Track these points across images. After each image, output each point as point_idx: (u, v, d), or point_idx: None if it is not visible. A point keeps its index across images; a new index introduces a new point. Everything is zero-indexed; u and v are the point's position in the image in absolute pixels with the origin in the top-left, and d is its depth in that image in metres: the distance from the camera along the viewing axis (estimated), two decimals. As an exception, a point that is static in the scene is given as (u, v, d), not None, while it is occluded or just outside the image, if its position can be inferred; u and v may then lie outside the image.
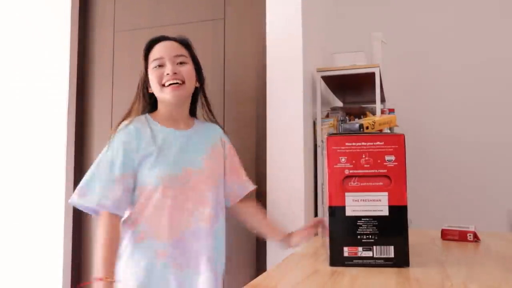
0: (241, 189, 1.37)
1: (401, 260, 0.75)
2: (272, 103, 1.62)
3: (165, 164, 1.19)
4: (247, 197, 1.39)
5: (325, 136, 0.81)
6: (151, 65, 1.27)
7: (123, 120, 1.26)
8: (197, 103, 1.40)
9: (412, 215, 2.62)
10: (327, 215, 0.78)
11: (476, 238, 1.07)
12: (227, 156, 1.37)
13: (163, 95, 1.25)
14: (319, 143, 1.77)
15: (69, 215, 1.89)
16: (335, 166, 0.78)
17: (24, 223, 1.93)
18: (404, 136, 0.78)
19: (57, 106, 1.92)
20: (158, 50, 1.27)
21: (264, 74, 1.65)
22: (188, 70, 1.27)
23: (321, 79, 1.82)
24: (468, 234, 1.07)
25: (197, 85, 1.34)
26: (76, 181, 1.92)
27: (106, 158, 1.20)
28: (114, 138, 1.21)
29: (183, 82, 1.25)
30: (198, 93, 1.38)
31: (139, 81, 1.31)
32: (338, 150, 0.78)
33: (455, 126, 2.79)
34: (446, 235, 1.11)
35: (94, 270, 1.10)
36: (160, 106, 1.31)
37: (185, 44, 1.33)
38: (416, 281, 0.66)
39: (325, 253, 0.90)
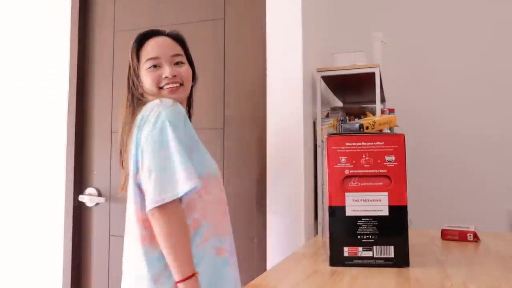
0: None
1: (401, 260, 0.75)
2: (272, 103, 1.62)
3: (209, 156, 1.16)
4: None
5: (325, 136, 0.81)
6: (145, 65, 1.16)
7: (125, 125, 1.13)
8: (190, 101, 1.31)
9: (412, 215, 2.62)
10: (327, 215, 0.78)
11: (476, 238, 1.07)
12: None
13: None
14: (319, 143, 1.77)
15: (69, 215, 1.89)
16: (335, 166, 0.78)
17: (24, 223, 1.93)
18: (404, 136, 0.78)
19: (57, 106, 1.92)
20: (153, 49, 1.16)
21: (264, 74, 1.65)
22: (186, 71, 1.19)
23: (321, 79, 1.82)
24: (468, 234, 1.07)
25: (192, 83, 1.27)
26: (76, 181, 1.92)
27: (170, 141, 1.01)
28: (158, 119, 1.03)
29: (182, 84, 1.17)
30: (192, 92, 1.30)
31: (128, 80, 1.18)
32: (338, 150, 0.78)
33: (455, 126, 2.79)
34: (446, 235, 1.11)
35: (179, 267, 0.97)
36: None
37: (180, 40, 1.24)
38: (416, 281, 0.66)
39: (325, 253, 0.90)
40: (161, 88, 1.15)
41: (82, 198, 1.88)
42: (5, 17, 2.06)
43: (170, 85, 1.14)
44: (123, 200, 1.85)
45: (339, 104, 2.50)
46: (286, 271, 0.77)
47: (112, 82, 1.92)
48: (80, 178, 1.94)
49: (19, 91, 2.00)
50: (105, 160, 1.91)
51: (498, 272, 0.73)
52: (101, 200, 1.87)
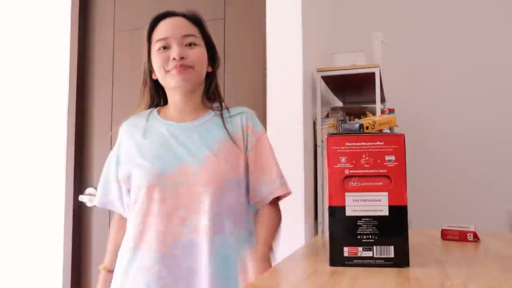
0: (268, 191, 1.06)
1: (401, 260, 0.75)
2: (272, 103, 1.62)
3: (155, 161, 1.01)
4: (273, 202, 1.08)
5: (325, 136, 0.81)
6: (155, 46, 1.06)
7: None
8: (211, 90, 1.14)
9: (412, 215, 2.62)
10: (327, 215, 0.78)
11: (476, 238, 1.07)
12: (252, 147, 1.07)
13: (168, 81, 1.05)
14: (319, 143, 1.77)
15: (69, 215, 1.89)
16: (335, 166, 0.78)
17: (24, 223, 1.93)
18: (404, 136, 0.78)
19: (57, 106, 1.92)
20: (163, 29, 1.06)
21: (264, 74, 1.65)
22: (198, 53, 1.05)
23: (321, 79, 1.82)
24: (468, 234, 1.07)
25: (210, 69, 1.12)
26: (76, 181, 1.92)
27: (109, 157, 1.17)
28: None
29: (192, 67, 1.04)
30: (213, 79, 1.14)
31: (143, 67, 1.13)
32: (338, 150, 0.78)
33: (455, 126, 2.79)
34: (446, 235, 1.11)
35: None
36: (168, 94, 1.11)
37: (196, 20, 1.10)
38: (416, 281, 0.66)
39: (325, 253, 0.90)
40: (168, 71, 1.04)
41: (82, 198, 1.88)
42: (5, 17, 2.06)
43: (177, 69, 1.02)
44: (123, 200, 1.85)
45: (339, 104, 2.50)
46: (286, 271, 0.77)
47: (112, 82, 1.92)
48: (80, 178, 1.94)
49: (19, 91, 2.00)
50: (105, 160, 1.90)
51: (498, 272, 0.72)
52: (101, 200, 1.87)
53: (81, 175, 1.95)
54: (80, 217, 1.92)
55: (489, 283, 0.65)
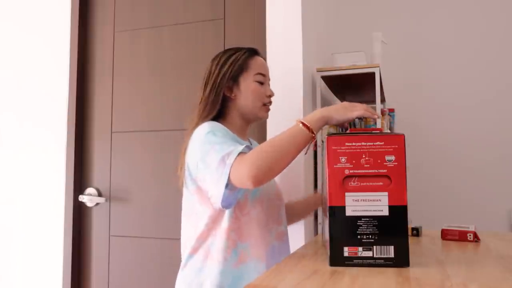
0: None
1: (401, 260, 0.75)
2: (272, 103, 1.62)
3: None
4: None
5: (325, 136, 0.81)
6: (255, 77, 1.19)
7: (196, 125, 1.13)
8: None
9: (412, 215, 2.62)
10: (327, 215, 0.78)
11: (476, 238, 1.07)
12: None
13: (258, 112, 1.21)
14: (319, 143, 1.77)
15: (69, 215, 1.89)
16: (335, 166, 0.78)
17: (24, 223, 1.93)
18: (404, 136, 0.78)
19: (57, 106, 1.92)
20: (263, 66, 1.23)
21: (264, 74, 1.65)
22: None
23: (321, 79, 1.82)
24: (468, 234, 1.07)
25: None
26: (76, 181, 1.92)
27: (221, 144, 1.01)
28: (208, 135, 1.05)
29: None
30: None
31: (215, 83, 1.17)
32: (338, 150, 0.78)
33: (455, 126, 2.79)
34: (446, 235, 1.11)
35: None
36: (233, 116, 1.20)
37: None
38: (416, 281, 0.66)
39: (325, 253, 0.90)
40: (264, 104, 1.22)
41: (82, 198, 1.88)
42: (5, 17, 2.06)
43: (268, 105, 1.23)
44: (123, 200, 1.85)
45: (339, 104, 2.50)
46: (286, 271, 0.77)
47: (112, 82, 1.92)
48: (80, 178, 1.94)
49: (19, 91, 2.00)
50: (105, 160, 1.91)
51: (498, 272, 0.73)
52: (101, 200, 1.87)
53: (81, 175, 1.95)
54: (80, 217, 1.93)
55: (489, 283, 0.65)
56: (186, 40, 1.80)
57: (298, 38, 1.60)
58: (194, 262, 1.10)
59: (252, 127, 1.66)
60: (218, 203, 1.00)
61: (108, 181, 1.89)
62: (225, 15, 1.76)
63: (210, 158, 1.00)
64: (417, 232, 1.21)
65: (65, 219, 1.86)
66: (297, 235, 1.53)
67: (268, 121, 1.61)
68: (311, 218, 1.68)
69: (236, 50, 1.22)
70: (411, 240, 1.11)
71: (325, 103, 2.11)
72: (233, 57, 1.19)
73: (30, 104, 1.97)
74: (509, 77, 2.72)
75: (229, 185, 0.96)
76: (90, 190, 1.91)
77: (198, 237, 1.10)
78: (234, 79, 1.18)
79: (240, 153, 0.96)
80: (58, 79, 1.93)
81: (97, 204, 1.89)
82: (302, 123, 0.96)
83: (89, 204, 1.90)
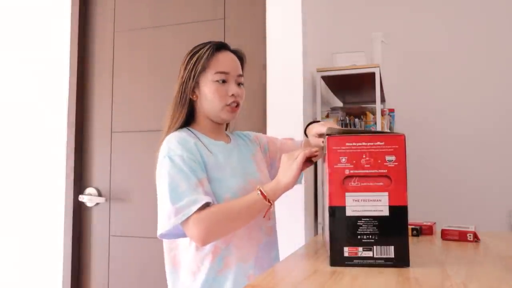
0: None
1: (401, 260, 0.75)
2: (272, 103, 1.62)
3: (235, 175, 1.08)
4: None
5: (325, 136, 0.81)
6: (214, 76, 1.09)
7: (166, 133, 1.12)
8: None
9: (412, 215, 2.62)
10: (327, 215, 0.78)
11: (476, 238, 1.07)
12: (268, 145, 1.27)
13: (221, 113, 1.11)
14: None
15: (69, 215, 1.89)
16: (335, 166, 0.78)
17: (24, 223, 1.93)
18: (404, 136, 0.78)
19: (57, 106, 1.92)
20: (225, 63, 1.12)
21: (264, 74, 1.65)
22: (244, 93, 1.15)
23: (321, 79, 1.82)
24: (468, 234, 1.07)
25: None
26: (76, 181, 1.92)
27: (174, 176, 1.00)
28: (165, 159, 1.03)
29: (239, 106, 1.14)
30: None
31: (181, 85, 1.12)
32: (338, 150, 0.78)
33: (455, 126, 2.79)
34: (446, 235, 1.11)
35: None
36: (201, 118, 1.15)
37: (243, 60, 1.19)
38: (416, 281, 0.66)
39: (325, 253, 0.90)
40: (227, 105, 1.11)
41: (82, 198, 1.88)
42: (5, 16, 2.06)
43: (233, 105, 1.11)
44: (123, 200, 1.85)
45: (339, 104, 2.50)
46: (286, 271, 0.77)
47: (112, 82, 1.92)
48: (80, 178, 1.94)
49: (19, 91, 2.00)
50: (105, 160, 1.91)
51: (498, 272, 0.73)
52: (101, 200, 1.87)
53: (81, 175, 1.95)
54: (80, 217, 1.93)
55: (489, 283, 0.65)
56: (186, 40, 1.80)
57: (298, 38, 1.60)
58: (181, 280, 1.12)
59: (252, 127, 1.66)
60: (158, 232, 1.00)
61: (108, 181, 1.89)
62: (225, 15, 1.76)
63: (164, 198, 0.99)
64: (417, 232, 1.21)
65: (65, 219, 1.86)
66: (297, 235, 1.53)
67: (268, 121, 1.61)
68: (311, 218, 1.68)
69: (201, 47, 1.13)
70: (411, 240, 1.11)
71: (325, 103, 2.11)
72: (196, 56, 1.12)
73: (30, 104, 1.97)
74: (509, 77, 2.72)
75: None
76: (90, 190, 1.91)
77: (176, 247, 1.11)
78: (196, 80, 1.11)
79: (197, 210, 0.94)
80: (58, 79, 1.93)
81: (97, 204, 1.89)
82: (261, 191, 0.96)
83: (89, 204, 1.90)
